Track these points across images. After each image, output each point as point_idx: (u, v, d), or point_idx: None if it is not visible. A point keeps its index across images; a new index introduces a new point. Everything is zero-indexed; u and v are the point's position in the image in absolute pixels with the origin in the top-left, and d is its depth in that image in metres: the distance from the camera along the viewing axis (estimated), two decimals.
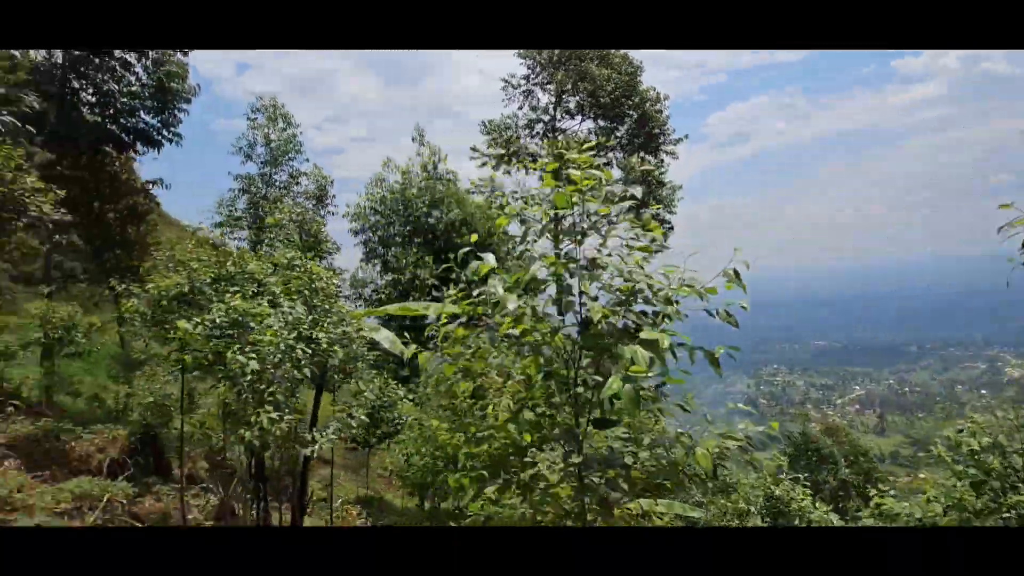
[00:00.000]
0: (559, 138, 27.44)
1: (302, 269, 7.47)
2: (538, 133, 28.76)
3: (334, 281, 7.65)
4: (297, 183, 18.71)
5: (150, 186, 17.41)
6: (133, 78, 16.16)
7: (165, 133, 16.82)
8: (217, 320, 5.68)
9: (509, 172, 28.99)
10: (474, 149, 28.46)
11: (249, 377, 5.17)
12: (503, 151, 28.66)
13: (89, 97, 16.09)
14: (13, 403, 12.29)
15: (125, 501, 9.48)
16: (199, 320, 5.72)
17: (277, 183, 18.35)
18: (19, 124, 7.94)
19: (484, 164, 28.35)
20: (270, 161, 18.11)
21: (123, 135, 15.90)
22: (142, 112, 15.98)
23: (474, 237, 4.34)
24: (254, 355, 5.28)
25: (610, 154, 25.94)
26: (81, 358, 11.40)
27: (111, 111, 15.48)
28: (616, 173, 26.34)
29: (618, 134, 25.82)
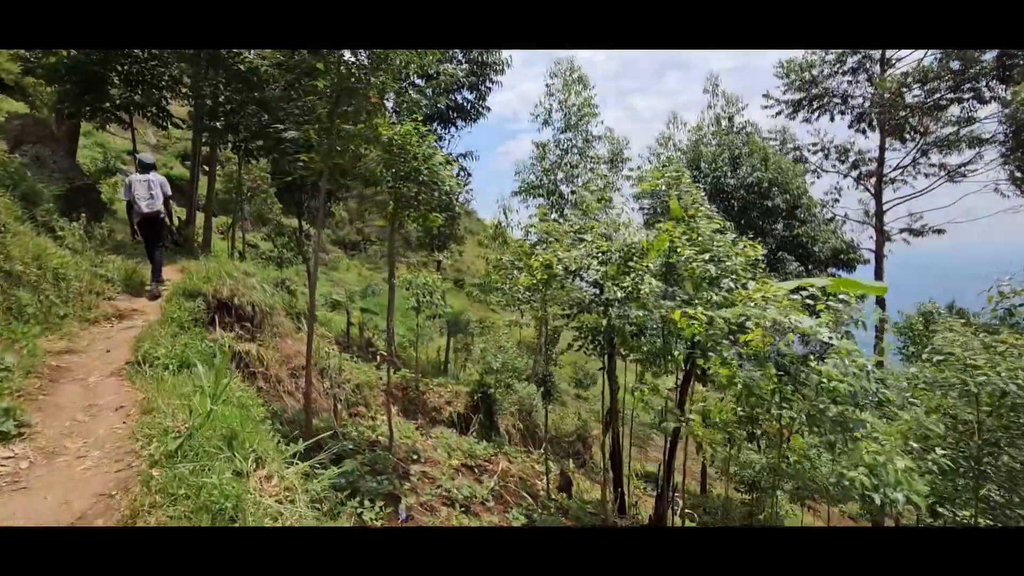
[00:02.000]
0: (887, 74, 21.98)
1: (731, 246, 6.36)
2: (850, 68, 23.56)
3: (759, 255, 6.40)
4: (592, 147, 18.15)
5: (463, 158, 18.68)
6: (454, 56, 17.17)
7: (478, 107, 17.68)
8: (743, 316, 4.69)
9: (809, 120, 24.56)
10: (767, 96, 24.69)
11: (831, 406, 4.09)
12: (802, 95, 24.30)
13: (416, 80, 17.68)
14: (382, 353, 14.34)
15: (488, 462, 10.02)
16: (709, 312, 4.84)
17: (574, 148, 18.04)
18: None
19: (779, 113, 24.43)
20: (569, 126, 17.80)
21: (447, 111, 17.14)
22: (463, 90, 16.93)
23: None
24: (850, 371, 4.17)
25: (971, 85, 19.72)
26: (436, 319, 12.52)
27: (439, 89, 16.71)
28: (987, 109, 20.01)
29: (984, 62, 19.40)
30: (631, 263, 6.94)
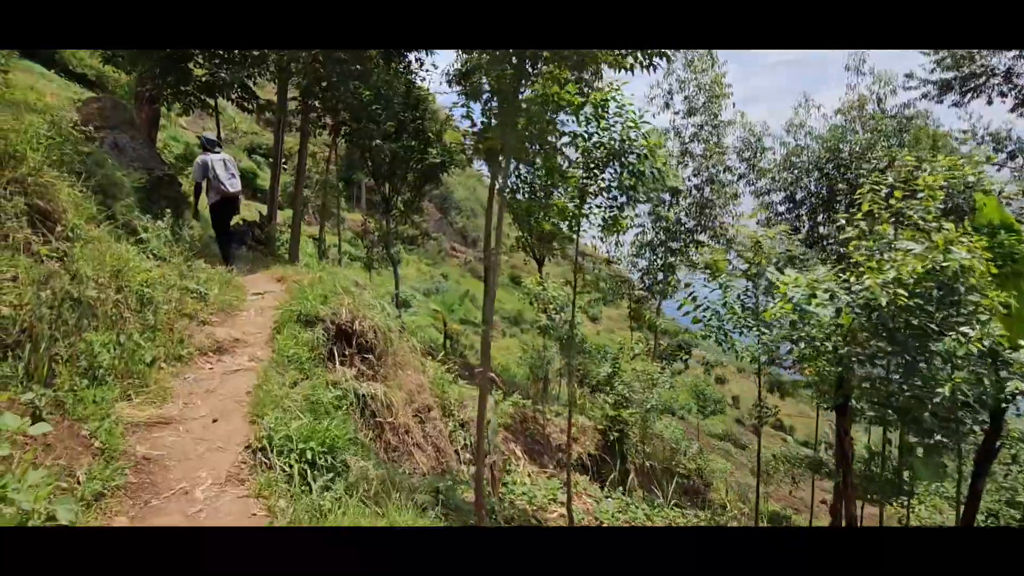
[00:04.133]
0: None
1: None
2: None
3: None
4: (721, 134, 15.52)
5: None
6: None
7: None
8: None
9: (959, 103, 20.99)
10: (909, 76, 21.27)
11: None
12: (953, 73, 20.76)
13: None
14: (493, 376, 12.33)
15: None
16: None
17: (699, 136, 15.46)
18: None
19: (925, 95, 20.99)
20: (694, 109, 15.24)
21: None
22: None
23: None
24: None
25: None
26: (565, 340, 10.35)
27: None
28: None
29: None
30: (970, 298, 4.51)
